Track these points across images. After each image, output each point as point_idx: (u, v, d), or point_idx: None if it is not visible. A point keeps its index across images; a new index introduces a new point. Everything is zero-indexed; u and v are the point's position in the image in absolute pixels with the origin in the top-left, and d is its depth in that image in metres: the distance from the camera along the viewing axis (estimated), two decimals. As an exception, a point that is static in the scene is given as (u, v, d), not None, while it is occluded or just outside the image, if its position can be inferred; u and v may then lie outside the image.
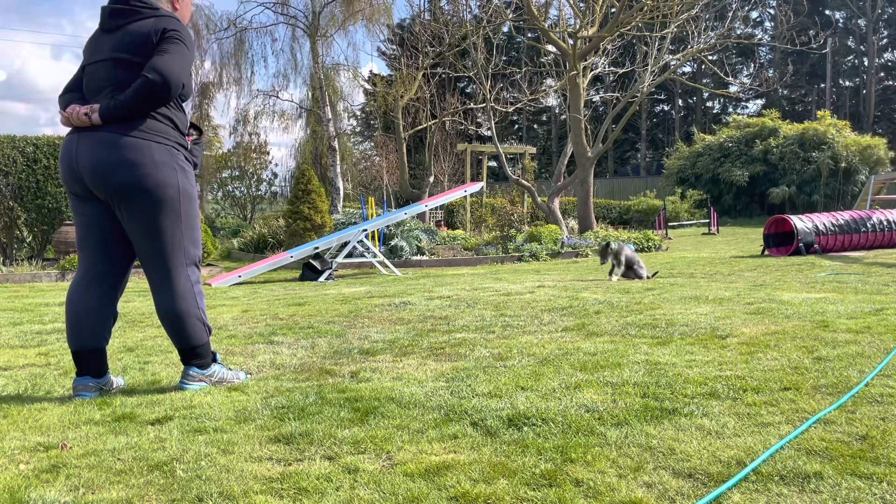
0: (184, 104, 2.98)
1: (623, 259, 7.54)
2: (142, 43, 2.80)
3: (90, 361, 2.89)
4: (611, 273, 7.58)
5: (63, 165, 2.87)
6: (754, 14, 36.33)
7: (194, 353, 2.95)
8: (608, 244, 7.74)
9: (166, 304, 2.90)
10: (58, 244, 10.94)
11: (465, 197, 18.62)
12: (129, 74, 2.79)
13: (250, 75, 21.10)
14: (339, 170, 19.48)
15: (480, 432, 2.26)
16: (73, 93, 2.92)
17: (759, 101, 40.00)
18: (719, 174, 26.41)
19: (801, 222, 10.19)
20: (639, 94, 15.49)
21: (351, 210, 15.53)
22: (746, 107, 41.60)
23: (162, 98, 2.78)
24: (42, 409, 2.68)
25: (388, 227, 11.48)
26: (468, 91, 33.77)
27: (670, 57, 17.34)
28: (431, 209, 17.30)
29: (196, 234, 2.96)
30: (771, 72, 30.34)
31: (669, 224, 20.49)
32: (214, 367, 3.03)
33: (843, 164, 24.62)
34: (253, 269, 9.38)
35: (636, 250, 12.77)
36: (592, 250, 12.40)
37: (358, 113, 30.84)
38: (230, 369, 3.14)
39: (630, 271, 7.53)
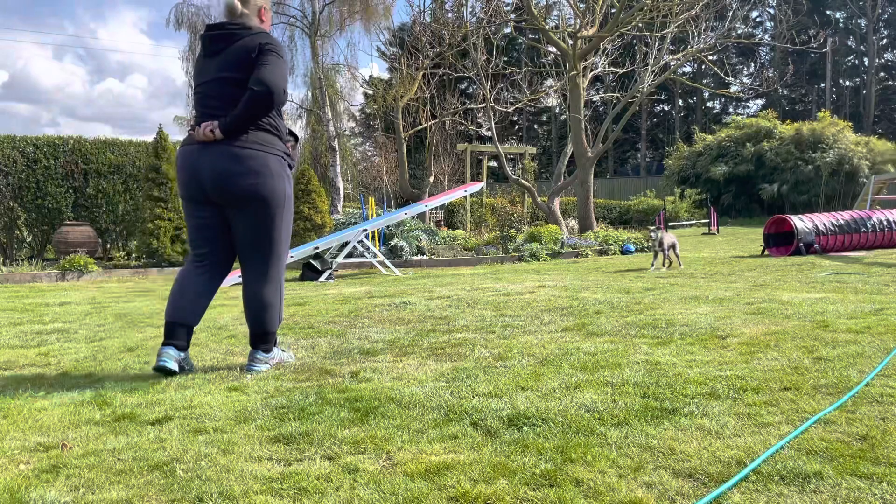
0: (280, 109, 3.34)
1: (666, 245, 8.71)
2: (244, 60, 3.15)
3: (179, 333, 3.22)
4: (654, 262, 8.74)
5: (184, 174, 3.23)
6: (754, 14, 36.31)
7: (264, 339, 3.31)
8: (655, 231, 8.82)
9: (259, 291, 3.28)
10: (57, 244, 10.93)
11: (466, 197, 18.62)
12: (236, 90, 3.15)
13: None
14: (339, 170, 19.46)
15: (480, 432, 2.26)
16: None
17: (760, 101, 40.01)
18: (714, 173, 26.50)
19: (802, 222, 10.19)
20: (639, 95, 15.49)
21: (351, 210, 15.52)
22: (747, 107, 41.61)
23: (269, 105, 3.13)
24: (42, 409, 2.68)
25: (388, 227, 11.48)
26: (468, 91, 33.77)
27: (670, 57, 17.34)
28: (431, 209, 17.30)
29: (288, 232, 3.38)
30: (771, 72, 30.33)
31: (669, 224, 20.49)
32: (275, 351, 3.39)
33: (846, 167, 24.60)
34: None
35: (637, 250, 12.78)
36: (592, 250, 12.40)
37: (357, 114, 30.82)
38: (283, 351, 3.52)
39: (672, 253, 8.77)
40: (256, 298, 3.28)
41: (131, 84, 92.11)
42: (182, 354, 3.23)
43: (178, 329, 3.22)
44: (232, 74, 3.17)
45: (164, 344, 3.21)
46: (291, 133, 3.40)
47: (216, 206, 3.22)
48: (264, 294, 3.28)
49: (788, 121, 27.93)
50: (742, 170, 25.96)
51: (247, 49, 3.17)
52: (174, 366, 3.14)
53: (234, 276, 9.05)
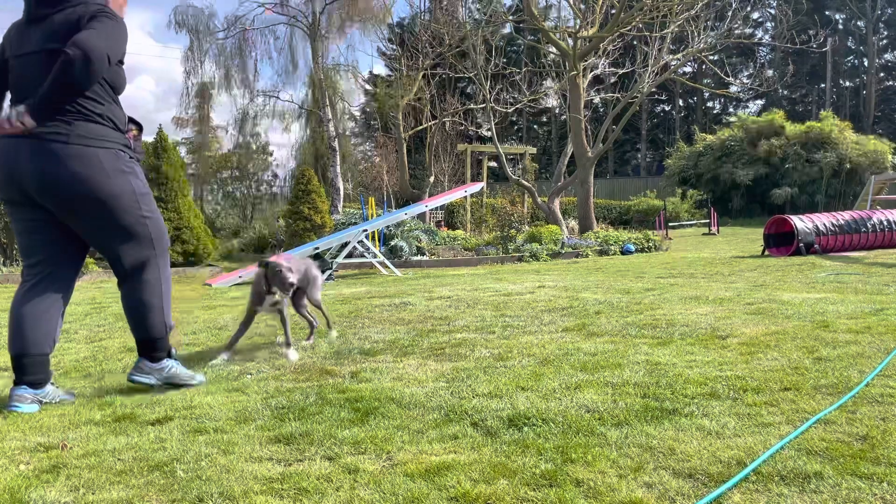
0: (118, 96, 2.83)
1: None
2: (74, 31, 2.57)
3: (30, 367, 2.71)
4: None
5: (1, 174, 2.70)
6: (755, 14, 36.32)
7: (148, 346, 2.94)
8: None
9: (128, 296, 2.91)
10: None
11: (466, 197, 18.61)
12: None
13: (254, 75, 21.07)
14: (339, 170, 19.47)
15: (481, 432, 2.26)
16: None
17: (760, 102, 40.01)
18: (720, 174, 26.42)
19: (802, 222, 10.19)
20: (639, 95, 15.48)
21: (351, 210, 15.52)
22: (747, 107, 41.59)
23: (84, 74, 2.51)
24: (42, 410, 2.68)
25: (388, 227, 11.48)
26: (468, 91, 33.75)
27: (670, 57, 17.33)
28: (431, 209, 17.29)
29: (158, 224, 2.91)
30: (771, 72, 30.34)
31: (670, 224, 20.47)
32: (167, 363, 2.98)
33: (847, 166, 24.61)
34: (253, 270, 9.36)
35: (637, 250, 12.77)
36: (592, 250, 12.40)
37: (357, 114, 30.82)
38: (187, 369, 3.09)
39: None
40: (129, 305, 2.92)
41: (138, 86, 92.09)
42: (43, 391, 2.72)
43: (27, 362, 2.69)
44: (54, 46, 2.58)
45: (16, 383, 2.70)
46: (132, 120, 2.92)
47: (46, 208, 2.72)
48: (136, 299, 2.89)
49: (789, 121, 27.89)
50: (760, 172, 25.79)
51: (76, 16, 2.62)
52: (30, 408, 2.64)
53: (234, 275, 9.06)
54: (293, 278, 3.51)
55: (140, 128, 2.99)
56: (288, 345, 3.63)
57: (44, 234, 2.78)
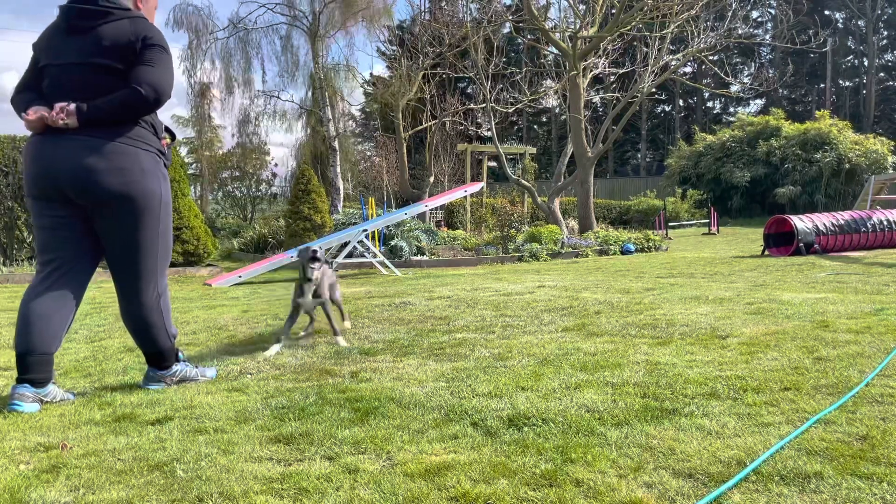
0: None
1: None
2: (122, 48, 2.75)
3: (34, 366, 2.72)
4: None
5: (34, 167, 2.77)
6: (755, 14, 36.30)
7: (157, 358, 3.03)
8: None
9: (134, 313, 2.94)
10: (58, 244, 10.90)
11: (466, 197, 18.62)
12: (109, 79, 2.75)
13: (261, 75, 21.11)
14: (339, 170, 19.48)
15: (480, 432, 2.26)
16: (31, 92, 2.84)
17: (760, 101, 40.00)
18: (721, 174, 26.40)
19: (802, 222, 10.19)
20: (639, 95, 15.48)
21: (351, 210, 15.51)
22: (748, 105, 41.57)
23: (150, 111, 2.82)
24: (42, 410, 2.68)
25: (388, 227, 11.48)
26: (468, 91, 33.79)
27: (670, 57, 17.33)
28: (432, 209, 17.29)
29: (169, 242, 3.00)
30: (771, 72, 30.33)
31: (669, 224, 20.47)
32: (176, 367, 3.08)
33: (846, 166, 24.61)
34: (253, 270, 9.38)
35: (637, 250, 12.77)
36: (592, 250, 12.41)
37: (357, 114, 30.84)
38: (196, 367, 3.20)
39: None
40: (134, 321, 2.95)
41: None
42: (45, 390, 2.74)
43: (31, 360, 2.70)
44: (104, 61, 2.74)
45: (19, 381, 2.70)
46: (168, 130, 3.06)
47: (75, 205, 2.78)
48: (141, 316, 2.92)
49: (790, 120, 27.86)
50: (759, 173, 25.79)
51: (126, 35, 2.75)
52: (30, 408, 2.65)
53: (234, 275, 9.06)
54: (317, 272, 3.91)
55: (173, 137, 3.10)
56: (336, 333, 3.96)
57: (65, 231, 2.82)
